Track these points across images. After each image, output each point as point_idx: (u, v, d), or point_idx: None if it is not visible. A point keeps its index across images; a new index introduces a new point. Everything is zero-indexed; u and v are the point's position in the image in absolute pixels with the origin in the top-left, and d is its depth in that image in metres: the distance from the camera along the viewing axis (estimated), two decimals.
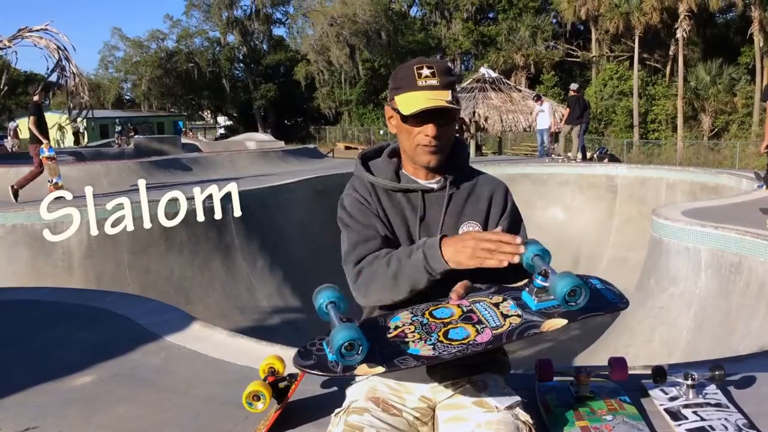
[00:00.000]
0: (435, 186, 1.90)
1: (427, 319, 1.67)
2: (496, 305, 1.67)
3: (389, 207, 1.90)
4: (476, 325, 1.61)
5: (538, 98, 17.77)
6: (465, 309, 1.67)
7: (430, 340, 1.60)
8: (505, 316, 1.62)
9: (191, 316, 4.17)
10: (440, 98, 1.75)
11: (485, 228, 1.89)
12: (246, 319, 8.55)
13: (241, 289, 9.28)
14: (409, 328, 1.65)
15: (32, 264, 8.28)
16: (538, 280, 1.59)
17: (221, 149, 22.40)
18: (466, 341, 1.58)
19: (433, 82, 1.77)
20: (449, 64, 2.21)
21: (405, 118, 1.79)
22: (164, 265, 8.72)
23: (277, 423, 2.17)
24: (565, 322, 1.56)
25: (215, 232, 9.42)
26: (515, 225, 1.95)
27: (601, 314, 1.64)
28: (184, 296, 8.38)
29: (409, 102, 1.76)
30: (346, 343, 1.47)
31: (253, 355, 3.39)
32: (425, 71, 1.78)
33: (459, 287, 1.73)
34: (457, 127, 1.92)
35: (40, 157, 10.23)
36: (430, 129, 1.78)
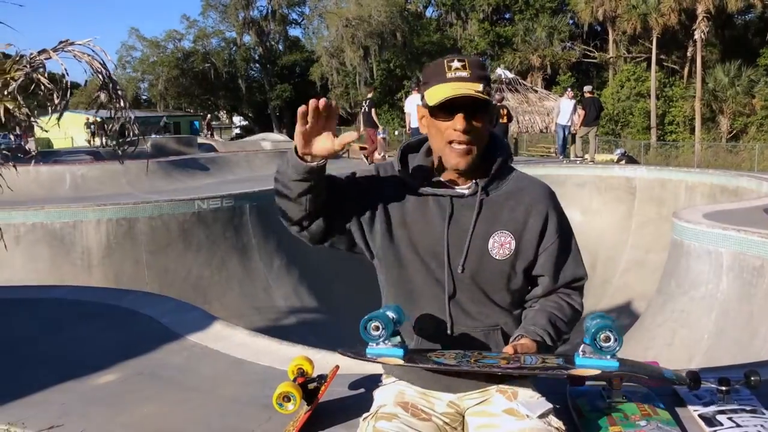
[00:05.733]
0: (466, 191, 1.77)
1: (471, 354, 1.69)
2: (544, 359, 1.65)
3: (415, 209, 1.79)
4: (511, 361, 1.63)
5: (565, 90, 17.47)
6: (511, 358, 1.65)
7: (461, 359, 1.64)
8: (545, 361, 1.63)
9: (212, 315, 4.17)
10: (470, 89, 1.64)
11: (519, 240, 1.77)
12: (263, 318, 8.56)
13: (258, 288, 9.29)
14: (450, 355, 1.69)
15: (52, 262, 8.33)
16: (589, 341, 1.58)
17: (237, 149, 22.43)
18: (490, 365, 1.61)
19: (463, 74, 1.66)
20: (482, 60, 2.07)
21: (433, 113, 1.69)
22: (182, 265, 8.75)
23: (307, 424, 2.16)
24: (597, 371, 1.55)
25: (232, 232, 9.45)
26: (564, 248, 1.82)
27: (643, 377, 1.66)
28: (202, 295, 8.40)
29: (436, 94, 1.66)
30: (372, 323, 1.60)
31: (275, 355, 3.38)
32: (455, 63, 1.68)
33: (518, 345, 1.68)
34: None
35: (378, 137, 14.48)
36: (458, 121, 1.65)
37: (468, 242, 1.74)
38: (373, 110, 14.41)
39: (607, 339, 1.53)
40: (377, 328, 1.59)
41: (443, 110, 1.66)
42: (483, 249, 1.75)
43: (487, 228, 1.76)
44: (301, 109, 1.54)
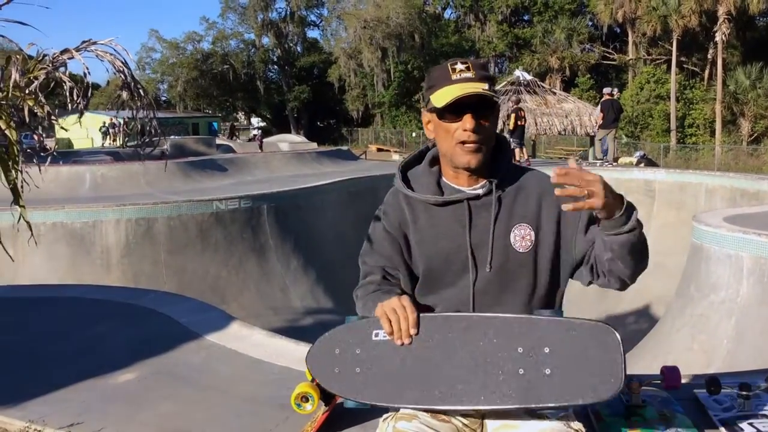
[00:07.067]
0: (481, 191, 1.76)
1: None
2: None
3: (428, 226, 1.80)
4: None
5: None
6: None
7: None
8: None
9: (230, 315, 4.20)
10: (476, 88, 1.64)
11: (538, 231, 1.76)
12: (279, 319, 8.59)
13: (274, 289, 9.32)
14: None
15: (71, 261, 8.41)
16: None
17: (255, 150, 22.56)
18: None
19: (468, 74, 1.67)
20: (484, 62, 2.03)
21: (441, 115, 1.69)
22: (200, 265, 8.80)
23: (324, 425, 2.16)
24: None
25: (250, 233, 9.49)
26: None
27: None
28: (219, 295, 8.44)
29: (443, 95, 1.66)
30: None
31: (292, 356, 3.39)
32: (459, 66, 1.68)
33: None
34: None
35: None
36: (467, 121, 1.65)
37: (491, 242, 1.74)
38: None
39: None
40: None
41: (451, 111, 1.67)
42: (506, 245, 1.75)
43: (506, 224, 1.76)
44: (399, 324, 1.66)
